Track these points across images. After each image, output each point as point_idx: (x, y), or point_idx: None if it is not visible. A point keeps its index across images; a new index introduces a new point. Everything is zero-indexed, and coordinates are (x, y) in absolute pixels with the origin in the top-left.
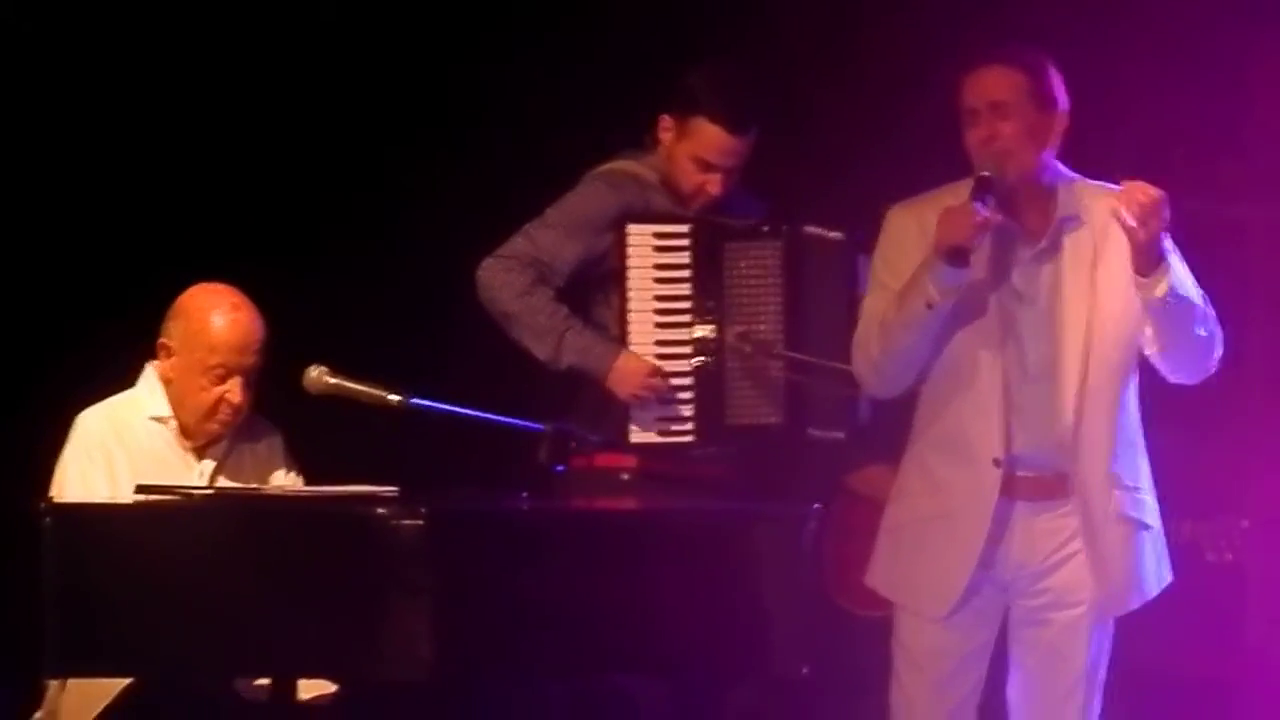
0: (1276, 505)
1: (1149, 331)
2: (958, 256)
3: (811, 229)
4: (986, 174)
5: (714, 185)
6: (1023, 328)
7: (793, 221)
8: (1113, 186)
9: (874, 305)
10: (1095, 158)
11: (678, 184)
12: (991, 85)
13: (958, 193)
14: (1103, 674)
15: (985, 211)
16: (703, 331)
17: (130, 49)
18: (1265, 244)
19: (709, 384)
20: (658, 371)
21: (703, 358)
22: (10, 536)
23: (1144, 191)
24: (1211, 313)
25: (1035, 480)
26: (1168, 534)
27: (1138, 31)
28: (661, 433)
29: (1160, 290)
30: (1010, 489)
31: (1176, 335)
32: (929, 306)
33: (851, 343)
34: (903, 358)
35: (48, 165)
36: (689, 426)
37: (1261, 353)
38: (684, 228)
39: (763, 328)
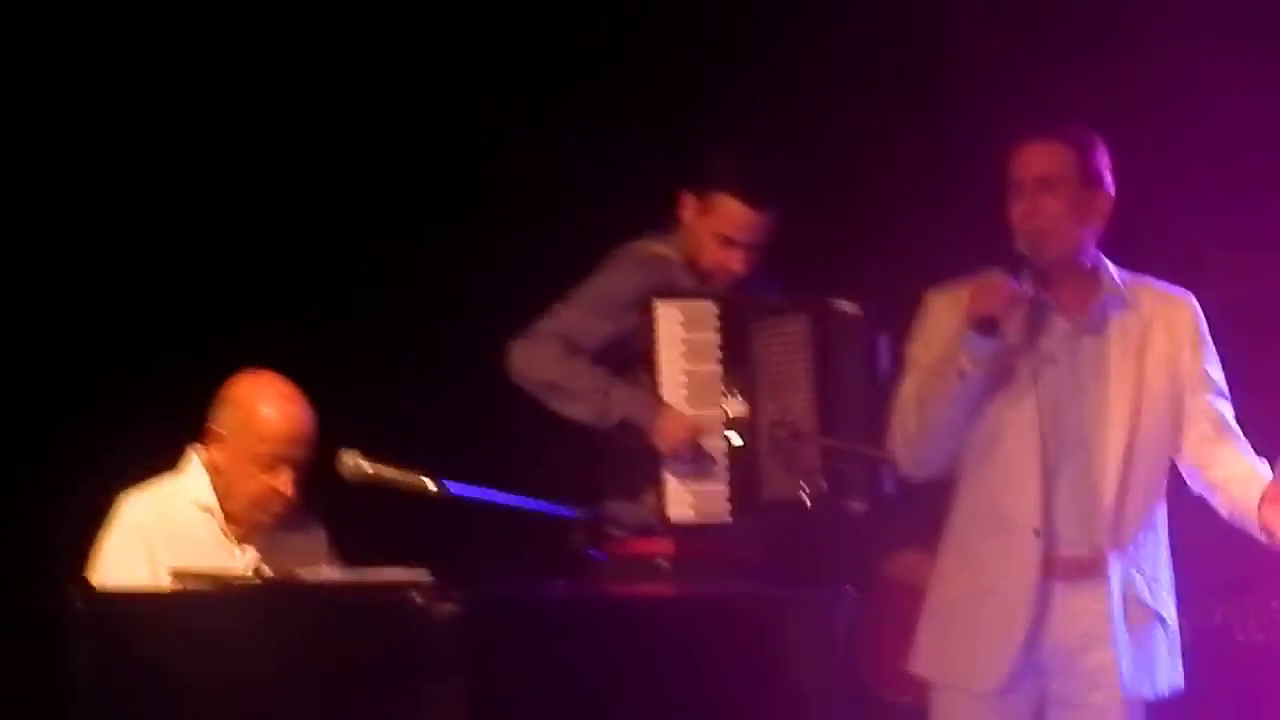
0: None
1: (1189, 447)
2: (988, 326)
3: (834, 302)
4: (1018, 251)
5: (736, 262)
6: (1061, 400)
7: (814, 295)
8: (1160, 283)
9: (910, 387)
10: (1137, 248)
11: (700, 261)
12: (1040, 159)
13: (995, 277)
14: None
15: (1017, 285)
16: (735, 409)
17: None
18: None
19: (743, 461)
20: (698, 428)
21: (736, 435)
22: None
23: None
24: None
25: (1073, 559)
26: (1199, 616)
27: (1179, 116)
28: (698, 511)
29: None
30: (1049, 568)
31: None
32: (961, 376)
33: (875, 418)
34: (937, 432)
35: (62, 220)
36: (726, 505)
37: None
38: (712, 305)
39: (795, 402)
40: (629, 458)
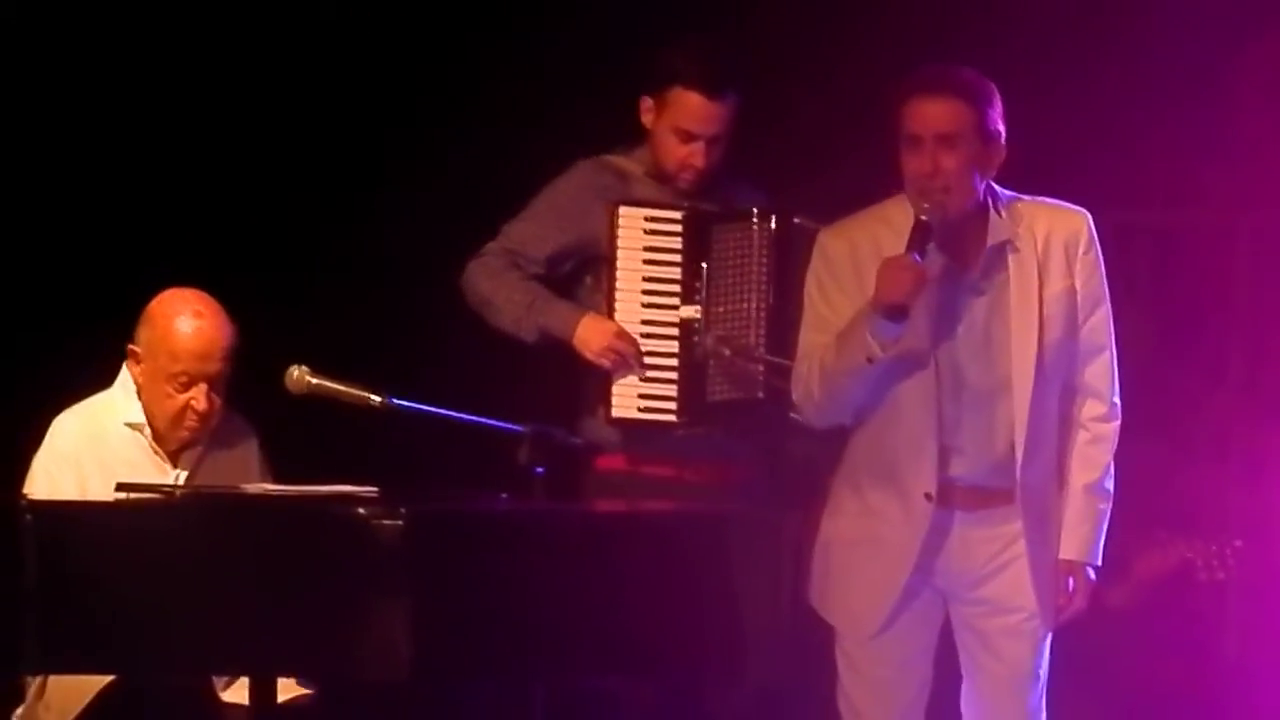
0: (1265, 524)
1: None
2: (898, 313)
3: (800, 219)
4: (924, 219)
5: (697, 157)
6: (961, 356)
7: (783, 210)
8: (1052, 201)
9: (812, 339)
10: (1076, 170)
11: (663, 164)
12: (940, 116)
13: (886, 214)
14: (1045, 677)
15: (922, 261)
16: (688, 312)
17: (109, 52)
18: (1249, 254)
19: (692, 364)
20: (625, 335)
21: (687, 338)
22: None
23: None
24: (1110, 474)
25: (972, 492)
26: (1160, 556)
27: (1120, 41)
28: (644, 409)
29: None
30: (948, 500)
31: None
32: (870, 361)
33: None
34: (842, 401)
35: (28, 166)
36: (671, 405)
37: (1246, 370)
38: (676, 214)
39: (747, 309)
40: (597, 373)
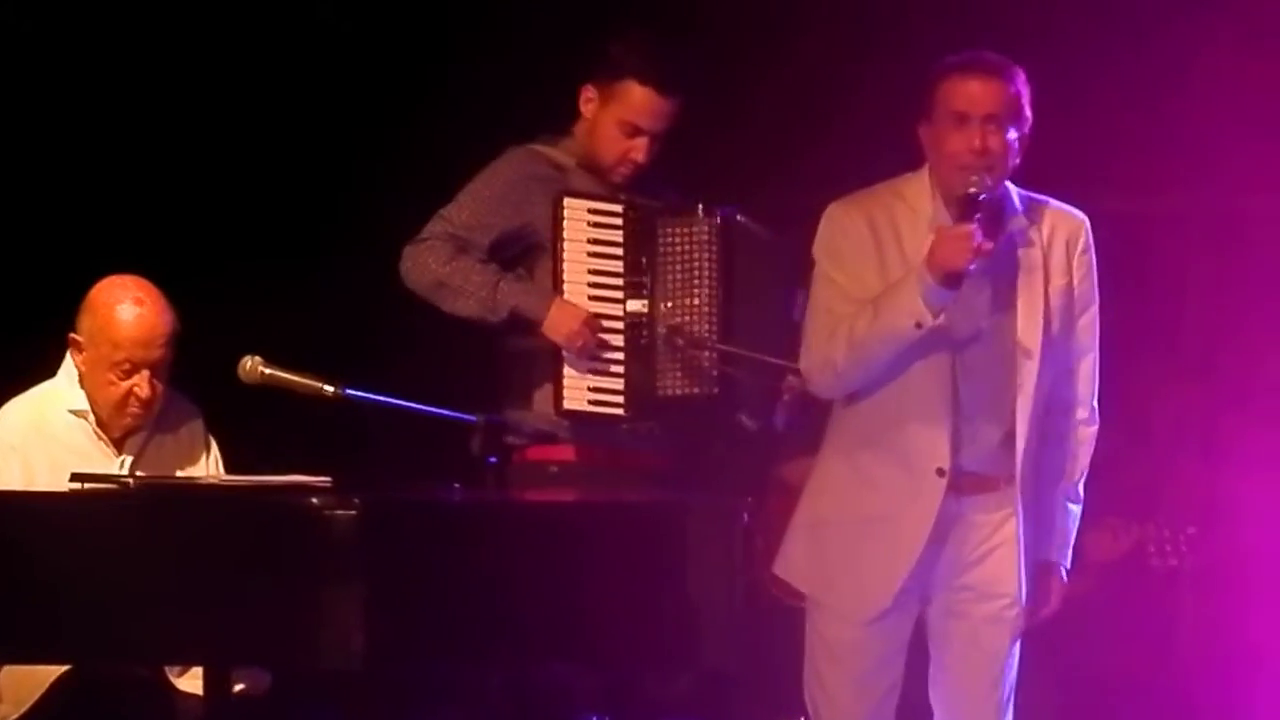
0: (1220, 510)
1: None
2: (954, 281)
3: (743, 219)
4: (973, 191)
5: (639, 152)
6: (971, 339)
7: (723, 204)
8: (1056, 203)
9: (828, 302)
10: (1038, 159)
11: (600, 156)
12: (989, 96)
13: (899, 189)
14: (1014, 674)
15: (981, 235)
16: (635, 306)
17: (70, 42)
18: (1206, 241)
19: (640, 358)
20: (592, 322)
21: (634, 332)
22: None
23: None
24: (1087, 455)
25: (972, 477)
26: (1112, 541)
27: (1078, 26)
28: (593, 402)
29: None
30: (958, 486)
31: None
32: (918, 326)
33: (799, 340)
34: (869, 367)
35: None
36: (619, 399)
37: (1202, 357)
38: (617, 207)
39: (693, 304)
40: (525, 361)
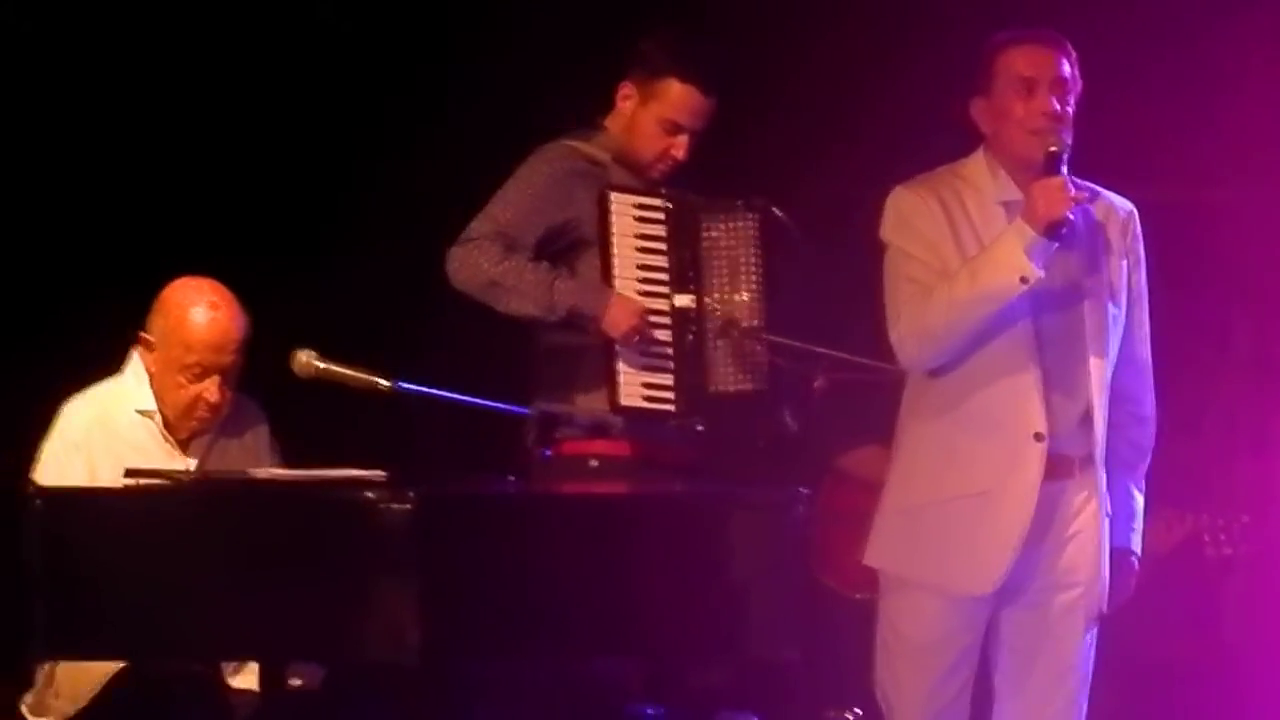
0: (1271, 499)
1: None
2: (1056, 230)
3: (779, 213)
4: (1054, 149)
5: (680, 149)
6: (1048, 305)
7: (766, 201)
8: (1106, 192)
9: (910, 273)
10: (1077, 149)
11: (639, 153)
12: (1054, 62)
13: (961, 171)
14: (1089, 669)
15: (1073, 186)
16: (683, 301)
17: (113, 47)
18: (1254, 229)
19: (690, 353)
20: (648, 313)
21: (683, 328)
22: None
23: None
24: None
25: (1064, 458)
26: (1168, 530)
27: (1113, 17)
28: (646, 398)
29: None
30: (1047, 469)
31: None
32: (1024, 281)
33: (887, 314)
34: (971, 332)
35: (36, 153)
36: (669, 395)
37: (1252, 345)
38: (659, 201)
39: (740, 299)
40: (568, 357)
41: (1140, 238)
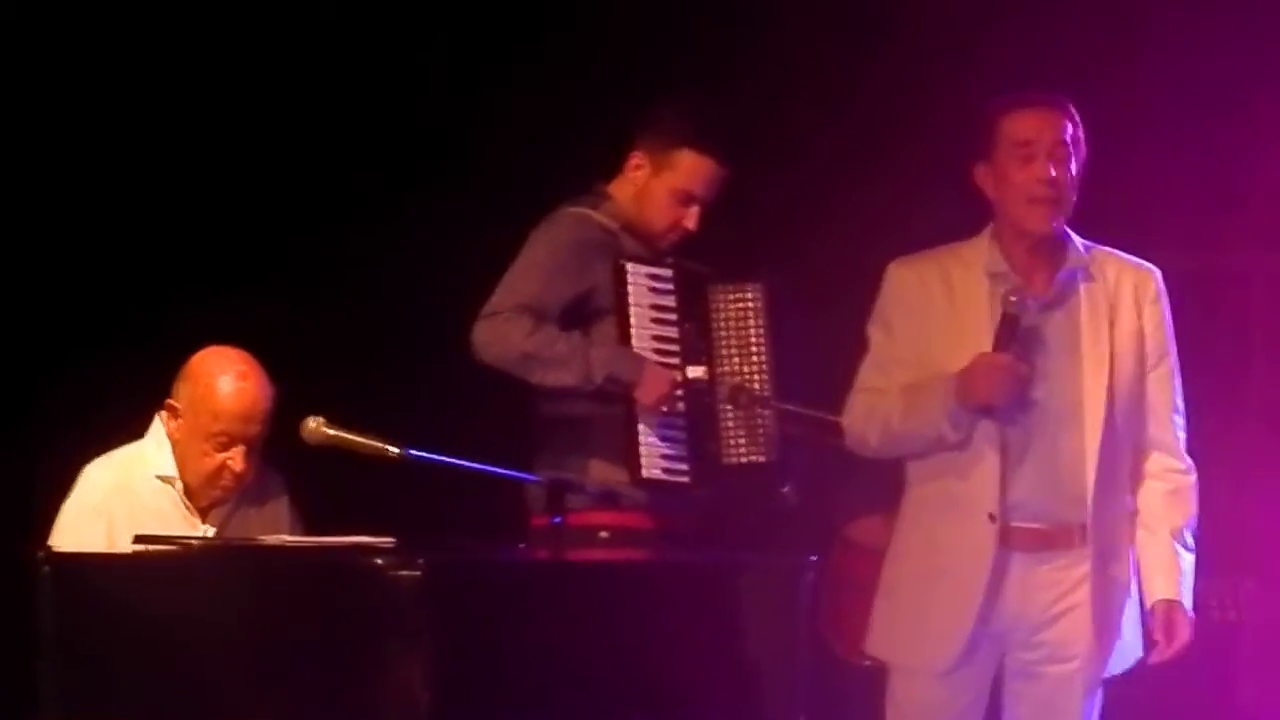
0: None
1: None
2: (986, 413)
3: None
4: (1012, 312)
5: (691, 220)
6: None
7: (770, 271)
8: (1123, 255)
9: (872, 377)
10: (1095, 213)
11: (650, 223)
12: (1054, 126)
13: (958, 251)
14: None
15: (1023, 367)
16: (695, 372)
17: (121, 84)
18: (1267, 297)
19: (703, 424)
20: (678, 385)
21: (696, 398)
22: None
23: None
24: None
25: (1034, 531)
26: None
27: (1138, 82)
28: (664, 470)
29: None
30: (1007, 540)
31: None
32: (940, 440)
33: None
34: (902, 453)
35: (49, 208)
36: (685, 467)
37: (1264, 408)
38: (668, 271)
39: (750, 368)
40: (575, 427)
41: (1164, 298)
